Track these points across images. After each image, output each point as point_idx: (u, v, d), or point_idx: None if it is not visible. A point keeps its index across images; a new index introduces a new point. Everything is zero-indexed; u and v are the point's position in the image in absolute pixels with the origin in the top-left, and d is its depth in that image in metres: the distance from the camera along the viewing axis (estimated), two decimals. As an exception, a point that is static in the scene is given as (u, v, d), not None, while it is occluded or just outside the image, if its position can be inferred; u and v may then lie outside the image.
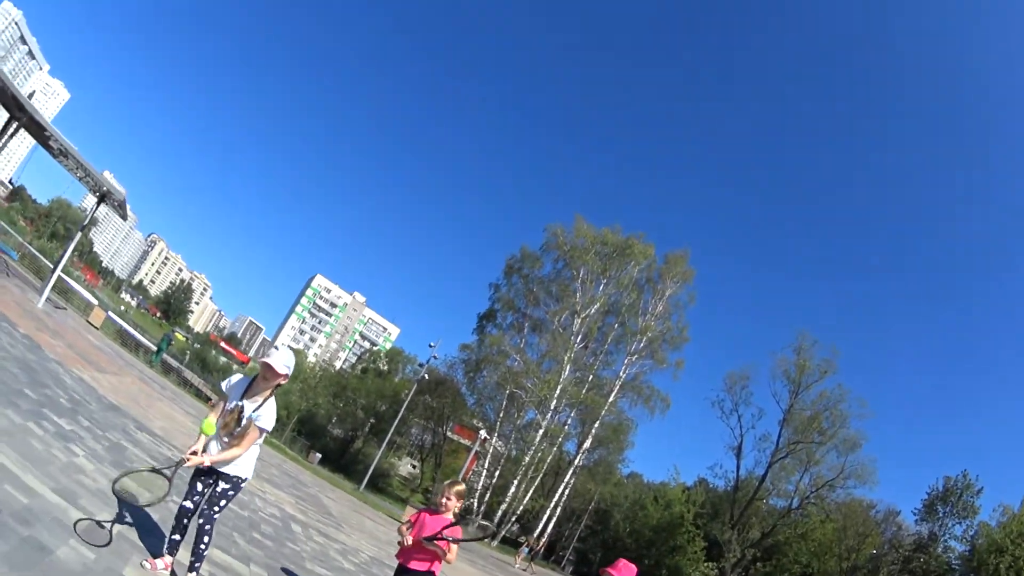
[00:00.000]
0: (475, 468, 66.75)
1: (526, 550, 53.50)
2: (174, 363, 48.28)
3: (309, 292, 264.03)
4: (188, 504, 6.72)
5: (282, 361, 7.00)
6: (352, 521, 24.42)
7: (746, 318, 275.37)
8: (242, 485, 7.00)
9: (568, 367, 66.31)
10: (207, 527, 6.75)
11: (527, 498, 65.35)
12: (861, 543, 64.86)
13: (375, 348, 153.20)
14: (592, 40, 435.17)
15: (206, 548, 6.79)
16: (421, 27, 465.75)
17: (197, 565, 6.77)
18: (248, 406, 6.76)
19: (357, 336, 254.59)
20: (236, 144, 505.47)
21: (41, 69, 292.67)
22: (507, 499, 64.57)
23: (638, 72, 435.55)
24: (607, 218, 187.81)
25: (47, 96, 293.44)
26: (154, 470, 6.66)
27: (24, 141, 30.12)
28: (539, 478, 66.28)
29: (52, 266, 32.70)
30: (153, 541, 7.50)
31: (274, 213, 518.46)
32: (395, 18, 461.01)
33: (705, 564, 64.30)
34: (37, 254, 47.88)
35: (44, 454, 8.08)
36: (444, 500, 7.42)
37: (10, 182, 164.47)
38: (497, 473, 66.77)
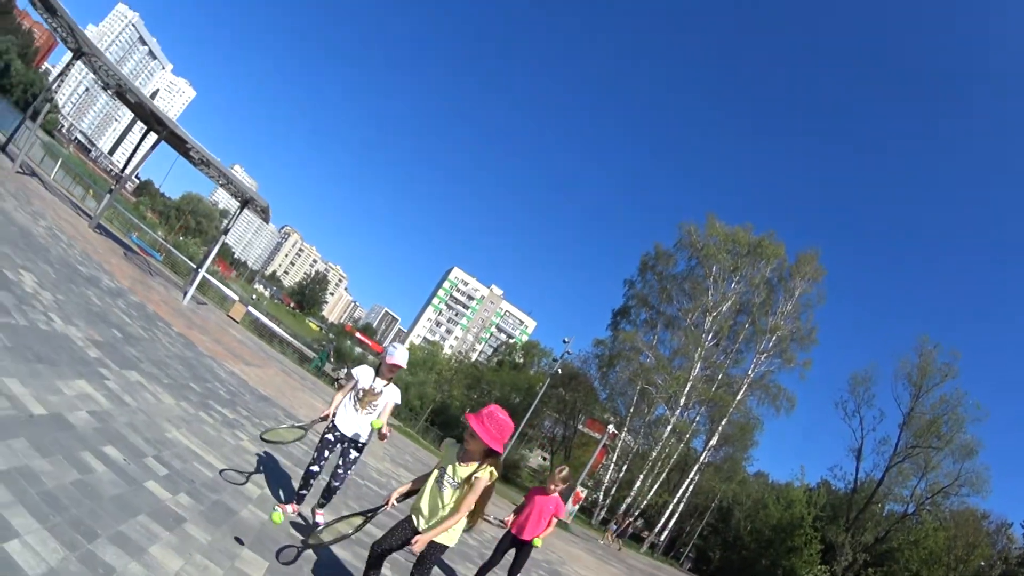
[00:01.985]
0: (603, 462, 68.08)
1: (614, 527, 53.97)
2: (331, 372, 50.95)
3: (446, 284, 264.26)
4: (315, 468, 8.37)
5: (404, 356, 8.68)
6: (492, 517, 25.78)
7: (871, 318, 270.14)
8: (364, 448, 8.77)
9: (698, 364, 67.41)
10: (338, 484, 8.59)
11: (651, 493, 66.27)
12: (970, 554, 63.86)
13: (511, 341, 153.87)
14: (724, 39, 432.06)
15: (332, 496, 8.77)
16: (570, 23, 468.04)
17: (324, 503, 8.80)
18: (382, 388, 8.51)
19: (493, 328, 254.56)
20: (374, 137, 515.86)
21: (164, 68, 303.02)
22: (632, 493, 65.56)
23: (770, 71, 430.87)
24: (739, 217, 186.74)
25: (172, 95, 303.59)
26: (293, 426, 8.65)
27: (149, 135, 32.00)
28: (665, 473, 67.29)
29: (195, 267, 34.75)
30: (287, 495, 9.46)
31: (413, 205, 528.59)
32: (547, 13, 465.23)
33: (819, 567, 64.04)
34: (173, 250, 50.39)
35: (217, 438, 9.97)
36: (551, 486, 9.38)
37: (136, 177, 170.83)
38: (625, 467, 67.86)
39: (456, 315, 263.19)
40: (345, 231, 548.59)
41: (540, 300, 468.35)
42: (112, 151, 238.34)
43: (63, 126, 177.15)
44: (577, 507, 49.06)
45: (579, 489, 48.23)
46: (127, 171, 34.86)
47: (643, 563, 49.34)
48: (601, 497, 65.65)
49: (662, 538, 69.93)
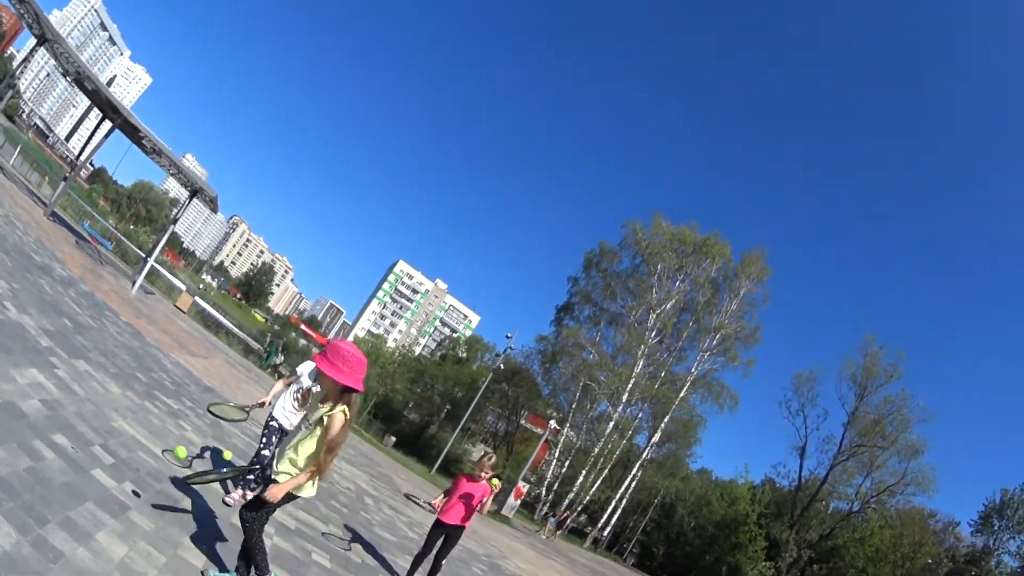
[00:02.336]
0: (546, 457, 68.40)
1: (553, 520, 55.08)
2: (279, 362, 50.95)
3: (391, 277, 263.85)
4: (266, 452, 8.88)
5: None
6: (420, 499, 26.11)
7: (814, 318, 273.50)
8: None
9: (642, 361, 67.60)
10: (261, 465, 8.52)
11: (594, 488, 66.62)
12: (916, 551, 65.42)
13: (455, 335, 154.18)
14: (670, 33, 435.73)
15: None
16: (512, 15, 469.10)
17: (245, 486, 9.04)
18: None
19: (437, 323, 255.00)
20: (320, 129, 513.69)
21: (122, 55, 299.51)
22: (574, 489, 65.85)
23: (714, 66, 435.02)
24: (684, 216, 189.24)
25: (128, 81, 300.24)
26: (237, 407, 8.74)
27: (104, 122, 31.80)
28: (607, 469, 67.54)
29: (144, 256, 34.80)
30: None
31: (358, 198, 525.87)
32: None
33: (763, 563, 65.31)
34: (123, 239, 50.04)
35: (161, 428, 10.19)
36: (480, 473, 9.58)
37: (91, 163, 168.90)
38: (567, 463, 68.15)
39: (400, 308, 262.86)
40: (292, 222, 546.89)
41: (485, 295, 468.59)
42: (68, 137, 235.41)
43: (23, 111, 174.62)
44: (519, 502, 49.09)
45: (520, 484, 48.36)
46: (82, 158, 34.84)
47: (586, 558, 49.81)
48: (544, 492, 66.01)
49: (605, 533, 70.56)
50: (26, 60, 28.77)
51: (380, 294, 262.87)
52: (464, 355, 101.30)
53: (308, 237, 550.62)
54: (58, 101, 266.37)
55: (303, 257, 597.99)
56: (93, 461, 6.93)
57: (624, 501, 69.20)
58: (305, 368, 9.12)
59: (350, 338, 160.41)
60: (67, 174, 34.38)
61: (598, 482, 66.96)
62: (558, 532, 52.79)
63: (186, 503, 7.71)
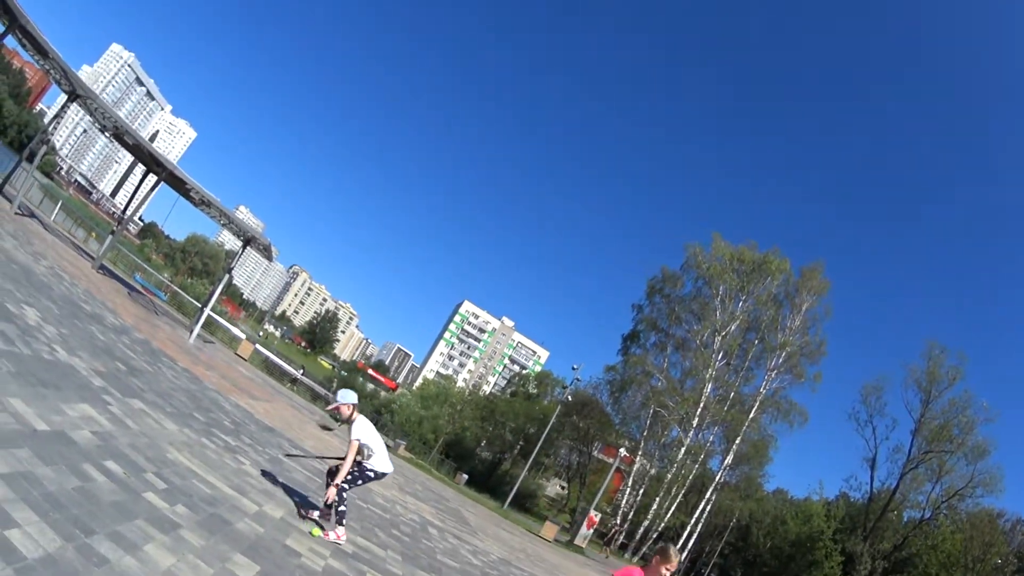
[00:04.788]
0: (620, 487, 68.51)
1: (572, 523, 55.31)
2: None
3: (457, 318, 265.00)
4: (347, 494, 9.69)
5: (341, 397, 9.97)
6: (488, 530, 26.28)
7: (878, 326, 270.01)
8: (369, 474, 9.92)
9: (710, 385, 67.99)
10: (344, 496, 9.72)
11: (669, 515, 66.34)
12: (986, 553, 63.94)
13: (524, 371, 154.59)
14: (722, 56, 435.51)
15: (345, 513, 9.91)
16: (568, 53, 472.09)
17: (323, 514, 10.07)
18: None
19: (506, 360, 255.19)
20: (379, 174, 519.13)
21: (163, 109, 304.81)
22: (649, 516, 65.88)
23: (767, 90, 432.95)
24: (740, 234, 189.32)
25: (172, 136, 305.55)
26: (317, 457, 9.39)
27: (149, 176, 32.47)
28: (681, 495, 67.26)
29: (200, 305, 35.17)
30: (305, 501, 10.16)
31: (421, 241, 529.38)
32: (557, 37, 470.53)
33: None
34: (179, 291, 50.97)
35: (218, 461, 10.48)
36: (662, 567, 8.19)
37: (140, 219, 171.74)
38: (641, 491, 67.92)
39: (468, 348, 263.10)
40: (354, 269, 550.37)
41: (553, 330, 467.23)
42: (114, 193, 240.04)
43: (62, 168, 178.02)
44: (592, 531, 49.15)
45: (592, 513, 48.41)
46: (128, 212, 35.59)
47: None
48: (619, 521, 65.94)
49: (682, 559, 69.27)
50: (57, 116, 29.37)
51: (447, 335, 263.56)
52: (535, 391, 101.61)
53: (371, 283, 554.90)
54: (99, 157, 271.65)
55: (367, 303, 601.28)
56: (145, 485, 7.21)
57: (700, 526, 68.90)
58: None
59: (419, 380, 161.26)
60: (114, 228, 35.10)
61: (672, 508, 66.73)
62: (607, 547, 52.62)
63: (243, 526, 7.98)
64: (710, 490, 68.71)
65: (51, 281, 15.93)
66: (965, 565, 63.09)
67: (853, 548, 65.84)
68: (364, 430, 9.74)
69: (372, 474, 9.97)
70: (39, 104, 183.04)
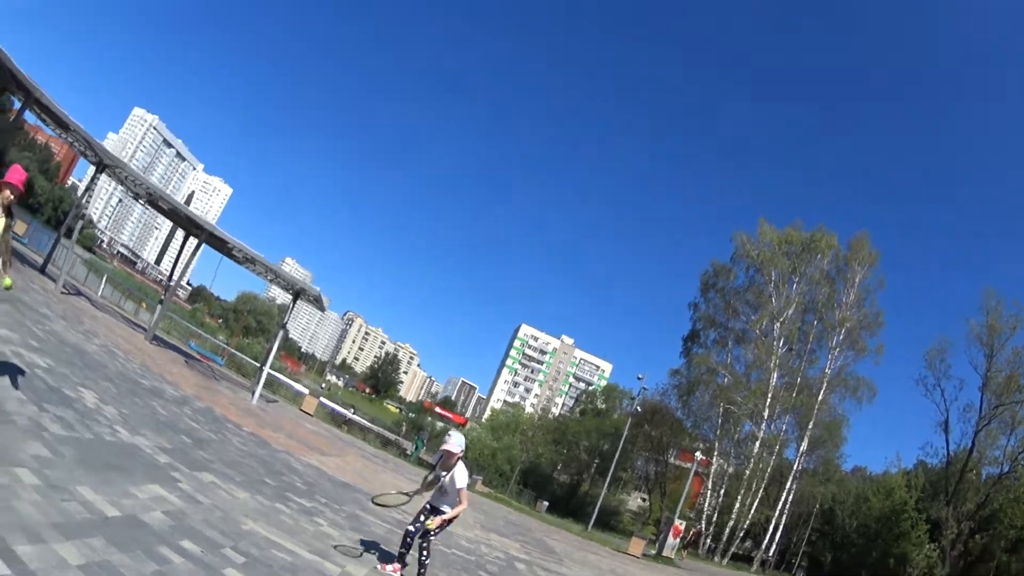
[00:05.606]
0: (700, 490, 68.36)
1: (660, 536, 53.36)
2: (424, 456, 52.35)
3: (517, 343, 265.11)
4: (411, 528, 9.63)
5: (456, 443, 9.79)
6: (575, 556, 26.11)
7: (934, 289, 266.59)
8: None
9: (775, 373, 68.22)
10: (427, 544, 9.64)
11: (752, 512, 66.55)
12: None
13: (591, 388, 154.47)
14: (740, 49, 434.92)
15: (428, 559, 9.75)
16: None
17: (423, 572, 9.68)
18: (449, 478, 9.67)
19: (571, 379, 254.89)
20: (415, 209, 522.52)
21: (195, 169, 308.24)
22: (733, 515, 65.93)
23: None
24: (787, 216, 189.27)
25: (208, 195, 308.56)
26: (399, 493, 10.00)
27: (189, 239, 32.87)
28: (762, 489, 67.66)
29: (259, 365, 35.28)
30: (385, 554, 10.48)
31: (468, 270, 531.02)
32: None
33: (928, 546, 64.25)
34: (236, 352, 51.41)
35: (295, 526, 10.37)
36: None
37: (188, 283, 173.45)
38: (723, 491, 68.02)
39: (532, 372, 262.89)
40: (407, 307, 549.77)
41: (613, 341, 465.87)
42: (158, 260, 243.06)
43: (102, 240, 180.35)
44: (678, 540, 49.10)
45: (677, 522, 48.46)
46: (174, 279, 35.84)
47: None
48: (704, 526, 65.94)
49: (771, 553, 70.45)
50: (89, 189, 29.50)
51: (509, 362, 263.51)
52: (603, 406, 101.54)
53: (426, 319, 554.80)
54: (138, 225, 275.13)
55: (425, 340, 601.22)
56: (223, 561, 7.11)
57: (784, 517, 69.52)
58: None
59: (487, 412, 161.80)
60: (163, 296, 35.41)
61: (755, 504, 67.01)
62: (686, 552, 51.89)
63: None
64: (789, 480, 69.15)
65: (105, 359, 16.00)
66: None
67: (937, 514, 65.65)
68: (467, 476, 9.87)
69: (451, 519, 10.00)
70: (70, 178, 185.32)
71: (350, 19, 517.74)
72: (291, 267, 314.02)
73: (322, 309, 33.94)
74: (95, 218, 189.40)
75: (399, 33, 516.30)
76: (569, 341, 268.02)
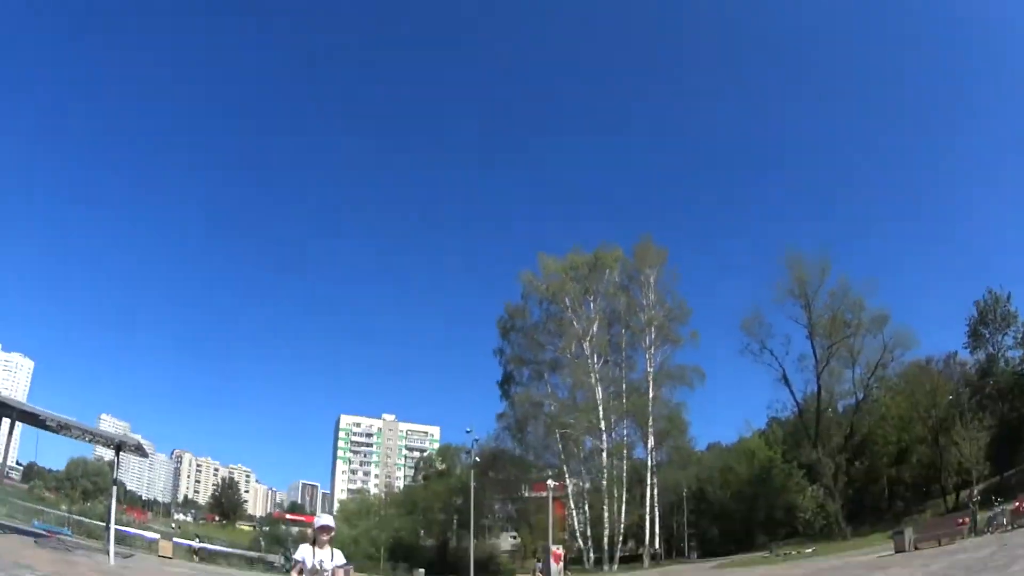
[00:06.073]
0: (565, 512, 70.25)
1: (538, 564, 55.26)
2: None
3: (342, 434, 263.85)
4: None
5: (329, 518, 10.26)
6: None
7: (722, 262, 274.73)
8: None
9: (599, 388, 70.50)
10: None
11: (623, 515, 68.43)
12: (935, 398, 66.98)
13: (425, 453, 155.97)
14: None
15: None
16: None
17: None
18: (324, 556, 9.46)
19: (404, 451, 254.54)
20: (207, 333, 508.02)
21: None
22: (606, 525, 67.20)
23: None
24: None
25: (11, 372, 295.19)
26: None
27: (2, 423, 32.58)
28: (625, 493, 69.44)
29: (105, 525, 35.50)
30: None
31: (275, 378, 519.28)
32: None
33: (810, 488, 68.11)
34: (82, 519, 50.93)
35: None
36: None
37: (17, 463, 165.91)
38: (587, 506, 70.09)
39: (365, 456, 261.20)
40: (227, 426, 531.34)
41: (432, 404, 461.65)
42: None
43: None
44: (562, 565, 50.60)
45: (555, 548, 49.99)
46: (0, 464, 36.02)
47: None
48: (582, 543, 67.58)
49: (657, 547, 72.21)
50: None
51: (340, 453, 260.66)
52: (443, 466, 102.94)
53: (249, 433, 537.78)
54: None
55: (255, 456, 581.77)
56: None
57: (656, 510, 71.20)
58: (303, 552, 9.68)
59: (335, 505, 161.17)
60: (-3, 484, 35.45)
61: (623, 508, 68.60)
62: (568, 573, 53.13)
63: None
64: (648, 476, 71.11)
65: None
66: (921, 418, 67.01)
67: (808, 458, 68.99)
68: None
69: None
70: None
71: None
72: (108, 422, 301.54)
73: (145, 455, 34.89)
74: None
75: None
76: (390, 417, 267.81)
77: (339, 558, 9.58)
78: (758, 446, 74.45)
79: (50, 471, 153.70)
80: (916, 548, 28.51)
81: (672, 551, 79.22)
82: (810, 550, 52.30)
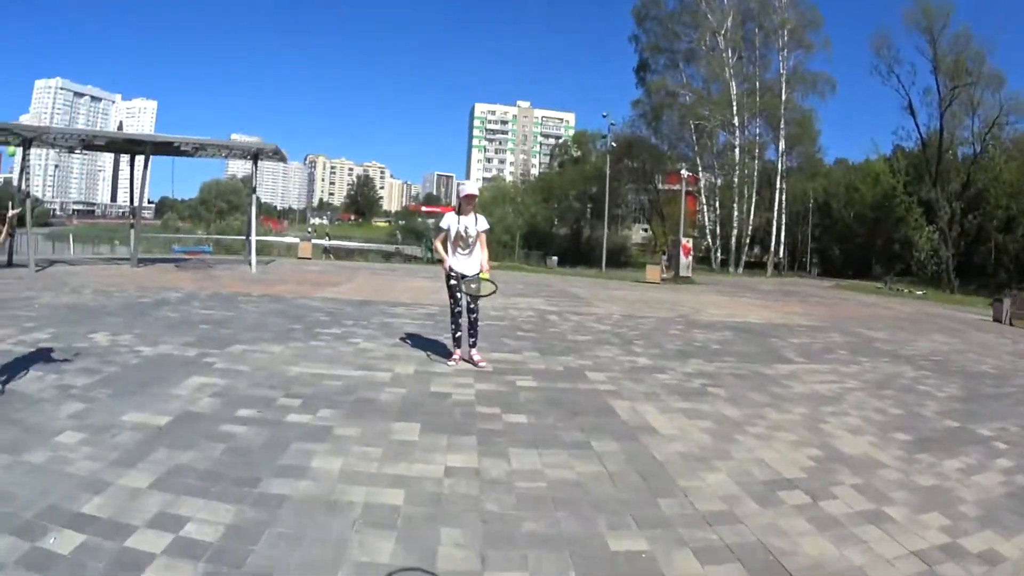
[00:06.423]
0: (696, 207, 69.87)
1: (664, 258, 54.67)
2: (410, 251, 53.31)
3: (476, 123, 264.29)
4: (457, 308, 10.34)
5: (474, 186, 11.12)
6: (600, 296, 26.68)
7: None
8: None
9: (733, 82, 70.96)
10: (476, 316, 10.50)
11: (752, 217, 69.58)
12: None
13: (561, 140, 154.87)
14: None
15: (477, 328, 10.63)
16: None
17: (476, 342, 10.70)
18: (469, 223, 10.15)
19: (539, 138, 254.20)
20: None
21: (114, 102, 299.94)
22: (735, 225, 68.63)
23: None
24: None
25: (136, 116, 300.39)
26: (477, 279, 10.25)
27: (136, 161, 32.23)
28: (755, 194, 70.73)
29: (245, 237, 35.73)
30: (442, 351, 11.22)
31: (406, 68, 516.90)
32: None
33: (927, 229, 67.47)
34: (220, 237, 51.69)
35: (334, 354, 10.86)
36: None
37: (150, 202, 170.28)
38: (717, 203, 71.68)
39: (500, 144, 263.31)
40: (359, 128, 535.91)
41: (568, 92, 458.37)
42: (113, 197, 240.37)
43: (54, 210, 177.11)
44: (691, 258, 50.43)
45: (684, 241, 49.58)
46: (136, 202, 35.40)
47: (771, 285, 50.46)
48: (710, 240, 67.60)
49: (781, 256, 73.97)
50: (24, 170, 28.57)
51: (475, 142, 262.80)
52: (578, 153, 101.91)
53: (383, 132, 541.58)
54: (82, 178, 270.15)
55: (389, 152, 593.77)
56: (281, 412, 7.43)
57: (783, 217, 73.09)
58: (448, 220, 10.35)
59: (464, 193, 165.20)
60: (132, 223, 35.08)
61: (752, 209, 70.53)
62: (668, 269, 51.84)
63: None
64: (777, 179, 72.26)
65: (102, 301, 16.05)
66: None
67: (927, 196, 68.19)
68: None
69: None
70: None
71: None
72: (239, 139, 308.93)
73: (284, 160, 33.66)
74: (40, 196, 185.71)
75: None
76: (525, 104, 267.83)
77: (483, 223, 10.35)
78: (882, 170, 73.21)
79: (183, 201, 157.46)
80: (1011, 323, 26.44)
81: (795, 264, 79.00)
82: (921, 292, 52.77)
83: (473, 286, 10.08)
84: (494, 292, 10.35)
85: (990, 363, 14.53)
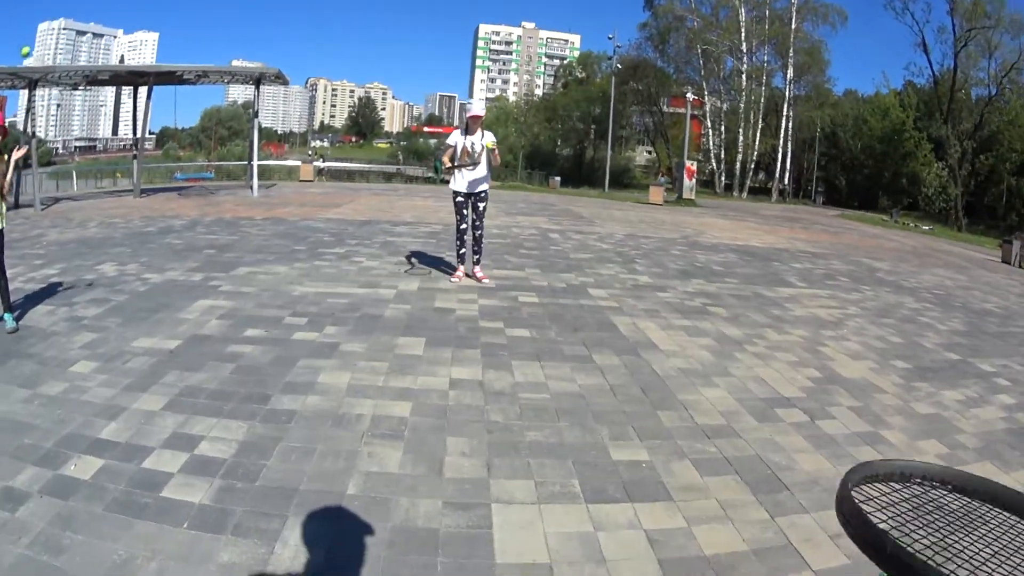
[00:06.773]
0: (701, 131, 69.35)
1: (663, 179, 54.74)
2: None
3: (480, 43, 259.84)
4: (463, 225, 10.47)
5: (480, 106, 10.90)
6: (602, 216, 26.54)
7: None
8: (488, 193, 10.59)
9: (742, 9, 69.37)
10: (480, 232, 10.72)
11: (757, 142, 68.97)
12: None
13: (565, 61, 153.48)
14: None
15: (481, 245, 10.87)
16: None
17: (480, 259, 10.97)
18: (475, 139, 10.23)
19: (544, 59, 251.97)
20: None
21: (116, 37, 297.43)
22: (740, 149, 68.13)
23: None
24: None
25: (137, 49, 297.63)
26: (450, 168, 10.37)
27: (139, 93, 32.19)
28: (761, 120, 69.64)
29: (247, 163, 35.32)
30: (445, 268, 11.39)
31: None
32: None
33: (935, 165, 66.15)
34: (221, 163, 51.58)
35: (337, 273, 11.00)
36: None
37: (151, 134, 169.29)
38: (723, 128, 70.34)
39: (504, 64, 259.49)
40: (360, 49, 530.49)
41: (573, 13, 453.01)
42: (115, 131, 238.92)
43: (56, 148, 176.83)
44: (694, 181, 50.02)
45: (688, 163, 49.05)
46: (138, 134, 35.29)
47: (776, 210, 49.84)
48: (715, 164, 67.34)
49: (786, 182, 73.39)
50: (30, 111, 28.47)
51: (478, 63, 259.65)
52: (583, 74, 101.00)
53: (384, 52, 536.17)
54: (84, 114, 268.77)
55: (391, 72, 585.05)
56: (287, 330, 7.58)
57: (790, 144, 71.92)
58: (454, 138, 10.49)
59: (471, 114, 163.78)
60: (134, 153, 34.98)
61: (757, 135, 69.47)
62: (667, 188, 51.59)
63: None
64: (784, 107, 70.84)
65: (107, 232, 16.07)
66: None
67: (937, 132, 66.68)
68: None
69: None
70: (4, 121, 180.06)
71: None
72: (240, 64, 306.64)
73: (286, 83, 33.27)
74: (43, 135, 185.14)
75: None
76: (530, 25, 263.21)
77: (490, 136, 10.36)
78: (892, 104, 71.53)
79: (183, 129, 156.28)
80: (1020, 266, 26.21)
81: (800, 192, 78.39)
82: (928, 227, 51.23)
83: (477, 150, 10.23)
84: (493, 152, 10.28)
85: (996, 302, 14.47)
